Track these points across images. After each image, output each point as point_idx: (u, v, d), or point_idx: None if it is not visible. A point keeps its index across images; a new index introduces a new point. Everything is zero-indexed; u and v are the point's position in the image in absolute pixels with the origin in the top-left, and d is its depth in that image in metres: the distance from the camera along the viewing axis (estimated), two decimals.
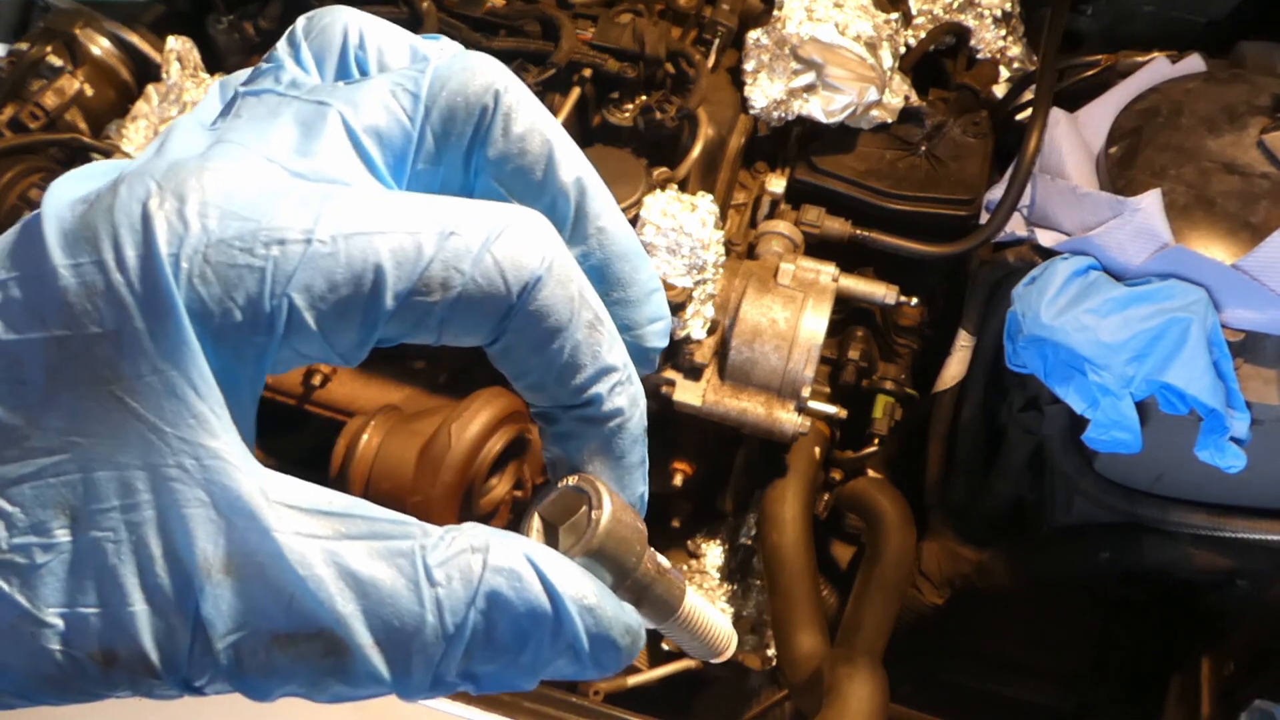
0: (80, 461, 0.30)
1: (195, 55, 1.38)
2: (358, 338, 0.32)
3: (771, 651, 1.59)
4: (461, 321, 0.33)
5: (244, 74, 0.37)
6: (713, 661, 0.39)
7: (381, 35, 0.37)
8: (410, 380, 1.41)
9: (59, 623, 0.30)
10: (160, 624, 0.30)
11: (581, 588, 0.33)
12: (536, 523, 0.36)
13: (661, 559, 0.38)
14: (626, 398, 0.36)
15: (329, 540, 0.31)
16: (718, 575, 1.65)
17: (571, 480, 0.37)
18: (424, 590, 0.31)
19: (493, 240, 0.32)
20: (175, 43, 1.37)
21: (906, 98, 1.55)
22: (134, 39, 1.46)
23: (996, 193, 1.45)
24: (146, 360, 0.30)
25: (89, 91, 1.42)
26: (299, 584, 0.30)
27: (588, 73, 1.38)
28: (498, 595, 0.31)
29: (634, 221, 1.26)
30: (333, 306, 0.31)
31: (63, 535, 0.30)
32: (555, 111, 1.36)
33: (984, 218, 1.47)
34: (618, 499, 0.36)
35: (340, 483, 1.24)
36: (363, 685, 0.31)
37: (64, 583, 0.30)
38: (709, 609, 0.39)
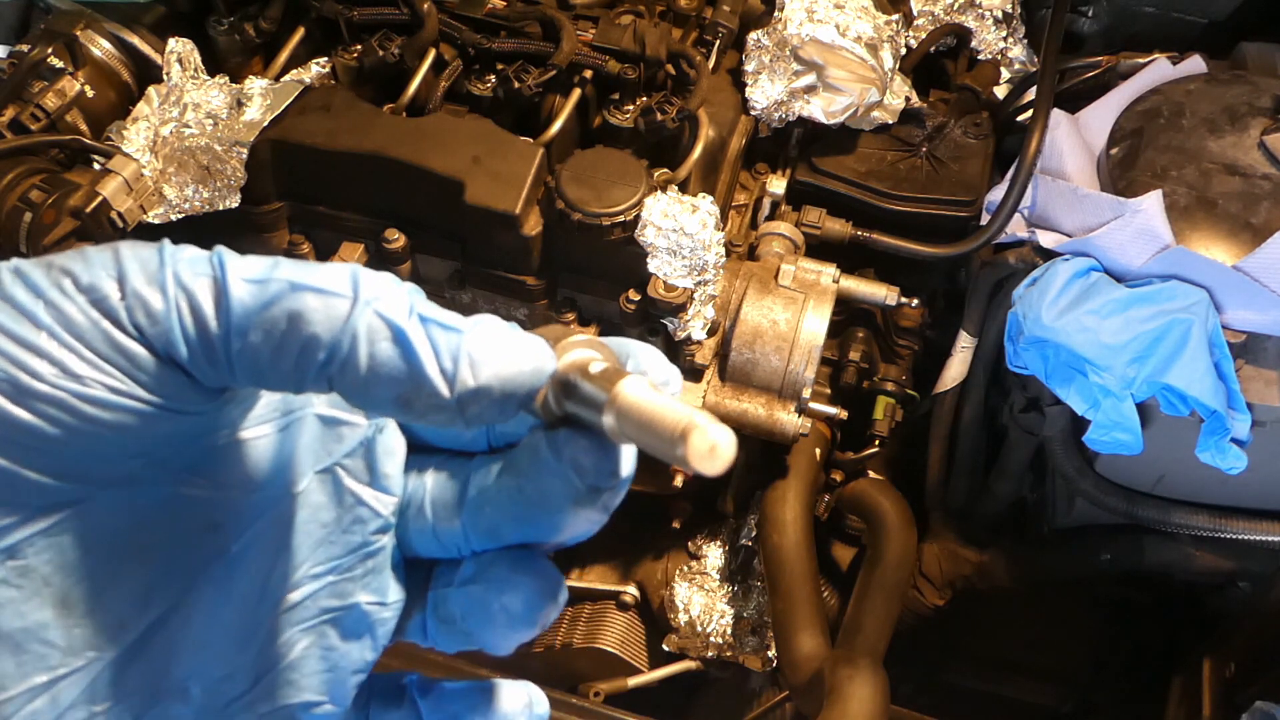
0: None
1: (196, 57, 1.38)
2: None
3: (772, 653, 1.59)
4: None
5: None
6: (683, 465, 0.37)
7: None
8: None
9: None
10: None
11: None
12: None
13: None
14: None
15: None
16: (718, 576, 1.65)
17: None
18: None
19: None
20: (176, 44, 1.37)
21: (907, 99, 1.55)
22: (135, 40, 1.46)
23: (997, 194, 1.45)
24: None
25: (90, 93, 1.42)
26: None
27: (588, 74, 1.38)
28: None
29: (635, 223, 1.26)
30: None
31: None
32: (556, 113, 1.36)
33: (985, 219, 1.47)
34: (559, 330, 0.42)
35: None
36: None
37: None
38: (654, 397, 0.39)
